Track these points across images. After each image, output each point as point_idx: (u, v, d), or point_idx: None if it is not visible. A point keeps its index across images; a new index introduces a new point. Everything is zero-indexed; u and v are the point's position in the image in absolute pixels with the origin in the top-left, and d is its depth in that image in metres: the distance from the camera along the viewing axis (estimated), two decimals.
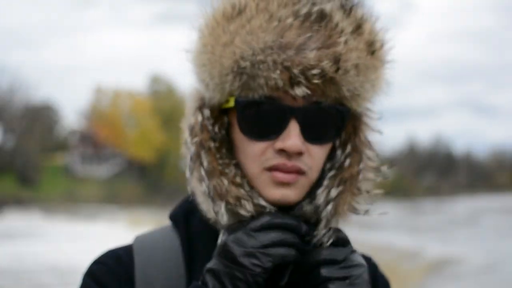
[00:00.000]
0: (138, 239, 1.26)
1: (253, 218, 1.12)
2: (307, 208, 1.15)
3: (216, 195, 1.13)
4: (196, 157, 1.16)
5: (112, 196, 52.02)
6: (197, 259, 1.20)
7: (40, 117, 61.58)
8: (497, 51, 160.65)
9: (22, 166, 53.80)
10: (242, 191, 1.13)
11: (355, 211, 1.18)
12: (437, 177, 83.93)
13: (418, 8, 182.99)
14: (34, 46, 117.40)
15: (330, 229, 1.14)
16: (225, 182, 1.14)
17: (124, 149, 61.70)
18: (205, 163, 1.14)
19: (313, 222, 1.15)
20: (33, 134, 57.05)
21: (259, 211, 1.13)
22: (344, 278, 1.10)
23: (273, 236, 1.08)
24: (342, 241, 1.14)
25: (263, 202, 1.13)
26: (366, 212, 1.18)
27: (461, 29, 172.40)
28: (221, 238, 1.13)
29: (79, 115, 67.25)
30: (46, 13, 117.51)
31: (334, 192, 1.15)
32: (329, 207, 1.14)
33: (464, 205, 51.99)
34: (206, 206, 1.17)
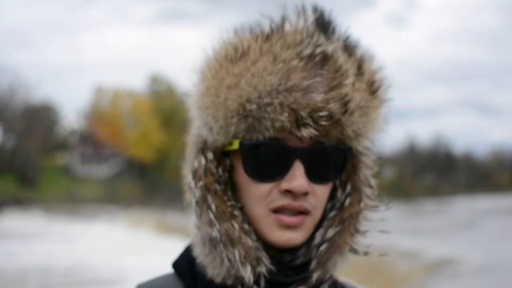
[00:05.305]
0: None
1: None
2: (301, 251, 1.14)
3: (227, 241, 1.11)
4: (203, 201, 1.13)
5: (112, 196, 52.05)
6: None
7: (40, 117, 61.66)
8: (498, 51, 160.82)
9: (22, 166, 53.81)
10: (250, 241, 1.11)
11: (354, 251, 1.16)
12: (437, 177, 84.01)
13: (421, 8, 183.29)
14: (34, 46, 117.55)
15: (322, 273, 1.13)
16: (236, 226, 1.12)
17: (124, 149, 61.78)
18: (213, 207, 1.12)
19: (303, 263, 1.14)
20: (33, 134, 57.08)
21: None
22: None
23: None
24: None
25: (261, 269, 1.11)
26: (366, 253, 1.17)
27: (463, 29, 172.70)
28: None
29: (79, 115, 67.58)
30: (46, 12, 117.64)
31: (331, 232, 1.15)
32: (323, 247, 1.14)
33: (464, 205, 51.98)
34: (210, 255, 1.14)
